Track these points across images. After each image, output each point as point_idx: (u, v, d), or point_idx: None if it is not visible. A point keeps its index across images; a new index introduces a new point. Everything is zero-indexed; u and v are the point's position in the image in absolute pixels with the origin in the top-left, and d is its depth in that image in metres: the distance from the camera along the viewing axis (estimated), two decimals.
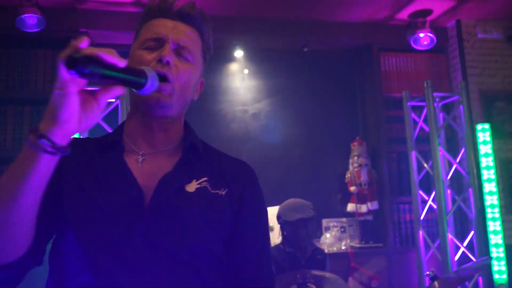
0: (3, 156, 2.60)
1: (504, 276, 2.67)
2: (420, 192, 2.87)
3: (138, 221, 0.81)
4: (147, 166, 0.89)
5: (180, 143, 0.94)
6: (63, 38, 2.75)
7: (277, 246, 2.39)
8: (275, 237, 2.99)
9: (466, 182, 2.88)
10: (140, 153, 0.90)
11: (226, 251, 0.90)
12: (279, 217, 2.34)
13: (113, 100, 2.52)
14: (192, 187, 0.87)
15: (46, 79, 2.74)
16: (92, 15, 2.80)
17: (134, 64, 0.85)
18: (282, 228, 2.35)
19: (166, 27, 0.90)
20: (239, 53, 3.33)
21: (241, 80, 3.36)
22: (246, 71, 3.37)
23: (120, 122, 2.49)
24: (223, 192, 0.90)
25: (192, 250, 0.83)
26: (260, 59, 3.35)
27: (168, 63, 0.85)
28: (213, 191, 0.89)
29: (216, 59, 3.55)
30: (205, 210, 0.86)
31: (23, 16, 2.52)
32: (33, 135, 0.68)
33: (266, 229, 1.01)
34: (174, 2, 0.92)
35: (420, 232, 2.81)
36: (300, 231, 2.26)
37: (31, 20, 2.57)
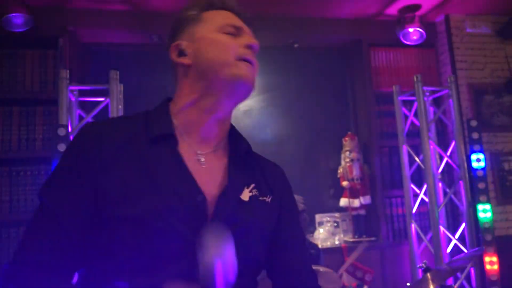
0: None
1: (496, 266, 2.70)
2: (412, 185, 2.89)
3: (202, 231, 0.71)
4: (205, 168, 0.84)
5: (226, 140, 0.92)
6: (51, 37, 2.72)
7: None
8: None
9: (457, 175, 2.91)
10: (198, 152, 0.85)
11: (270, 256, 0.91)
12: None
13: (102, 99, 2.50)
14: (245, 195, 0.85)
15: (34, 79, 2.70)
16: (80, 13, 2.77)
17: (218, 47, 0.86)
18: None
19: (235, 18, 0.92)
20: None
21: None
22: None
23: None
24: (269, 199, 0.89)
25: (252, 259, 0.83)
26: None
27: (255, 50, 0.89)
28: (261, 198, 0.88)
29: None
30: (260, 219, 0.86)
31: (9, 15, 2.49)
32: None
33: (304, 236, 1.03)
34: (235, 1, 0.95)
35: (413, 225, 2.84)
36: None
37: (18, 20, 2.54)
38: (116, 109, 2.45)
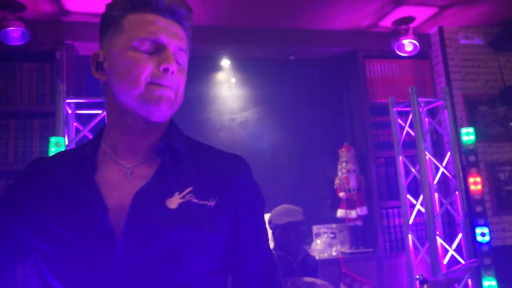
0: None
1: (492, 277, 2.69)
2: (408, 196, 2.90)
3: (111, 253, 0.71)
4: (129, 181, 0.79)
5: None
6: (48, 50, 2.74)
7: None
8: None
9: (453, 186, 2.92)
10: (127, 166, 0.81)
11: (231, 260, 0.83)
12: (270, 222, 2.39)
13: (100, 111, 2.51)
14: (174, 202, 0.76)
15: (31, 92, 2.71)
16: (77, 27, 2.79)
17: (128, 67, 0.77)
18: (273, 233, 2.40)
19: (163, 28, 0.79)
20: (226, 63, 3.34)
21: (228, 89, 3.37)
22: (233, 80, 3.38)
23: None
24: (212, 203, 0.79)
25: (186, 272, 0.74)
26: (247, 68, 3.38)
27: (172, 73, 0.78)
28: (200, 202, 0.78)
29: (203, 68, 3.59)
30: (198, 226, 0.75)
31: (7, 29, 2.51)
32: None
33: (266, 234, 0.91)
34: None
35: (410, 236, 2.84)
36: (290, 234, 2.32)
37: (15, 33, 2.56)
38: None
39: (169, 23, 0.81)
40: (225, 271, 0.84)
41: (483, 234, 2.73)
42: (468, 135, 2.86)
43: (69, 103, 2.52)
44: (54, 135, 2.42)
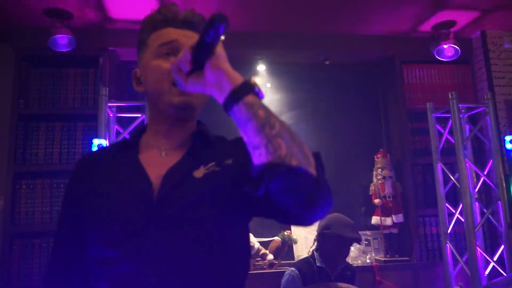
0: (35, 170, 2.70)
1: None
2: (447, 204, 2.82)
3: (149, 211, 0.83)
4: (164, 159, 0.91)
5: (190, 139, 0.96)
6: (92, 56, 2.87)
7: (305, 259, 2.37)
8: (299, 250, 2.98)
9: (495, 195, 2.81)
10: (162, 148, 0.93)
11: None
12: (328, 227, 2.26)
13: (139, 115, 2.60)
14: (199, 173, 0.88)
15: (75, 96, 2.84)
16: (120, 34, 2.90)
17: (153, 75, 0.90)
18: (323, 239, 2.29)
19: (179, 33, 0.91)
20: (261, 67, 3.37)
21: (263, 94, 3.39)
22: (268, 85, 3.41)
23: None
24: (230, 161, 0.90)
25: (205, 235, 0.83)
26: (282, 73, 3.39)
27: None
28: (220, 168, 0.89)
29: (239, 73, 3.59)
30: (213, 191, 0.86)
31: (55, 36, 2.65)
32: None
33: None
34: (178, 11, 0.93)
35: (448, 246, 2.75)
36: (344, 248, 2.26)
37: (62, 40, 2.69)
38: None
39: (187, 32, 0.92)
40: (247, 216, 0.92)
41: None
42: None
43: (110, 107, 2.63)
44: (96, 137, 2.52)
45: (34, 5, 2.57)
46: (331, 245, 2.25)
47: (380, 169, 3.03)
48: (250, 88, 0.73)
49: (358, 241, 2.27)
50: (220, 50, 0.75)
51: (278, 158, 0.69)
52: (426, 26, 3.04)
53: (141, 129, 1.01)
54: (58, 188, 2.71)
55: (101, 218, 0.85)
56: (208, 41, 0.71)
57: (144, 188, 0.85)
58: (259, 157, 0.71)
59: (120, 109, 2.71)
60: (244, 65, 3.30)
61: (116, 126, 2.69)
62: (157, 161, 0.91)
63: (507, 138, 2.76)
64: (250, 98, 0.72)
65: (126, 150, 0.95)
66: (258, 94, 0.74)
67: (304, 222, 0.82)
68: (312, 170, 0.74)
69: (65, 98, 2.83)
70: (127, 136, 2.55)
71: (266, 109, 0.74)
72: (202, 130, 0.96)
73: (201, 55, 0.74)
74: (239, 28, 2.95)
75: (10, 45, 2.82)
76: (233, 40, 3.13)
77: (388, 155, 3.08)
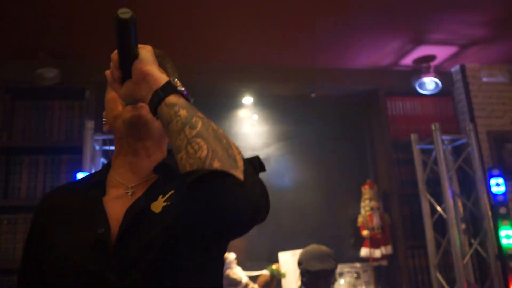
0: (18, 204, 2.63)
1: None
2: (435, 234, 2.81)
3: (108, 258, 0.77)
4: (130, 199, 0.87)
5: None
6: (78, 89, 2.85)
7: None
8: (288, 284, 2.92)
9: (482, 225, 2.83)
10: (130, 186, 0.89)
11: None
12: (300, 263, 2.30)
13: None
14: (158, 206, 0.82)
15: (60, 129, 2.81)
16: (107, 67, 2.90)
17: (109, 107, 0.93)
18: (302, 275, 2.31)
19: None
20: (248, 100, 3.41)
21: (250, 126, 3.41)
22: (255, 117, 3.43)
23: None
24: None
25: (166, 268, 0.77)
26: (268, 105, 3.43)
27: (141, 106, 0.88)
28: (181, 197, 0.83)
29: (225, 105, 3.65)
30: (171, 225, 0.79)
31: (40, 70, 2.64)
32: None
33: None
34: None
35: (436, 277, 2.73)
36: (321, 281, 2.22)
37: (48, 74, 2.68)
38: None
39: None
40: (216, 247, 0.87)
41: None
42: (497, 186, 2.79)
43: (96, 140, 2.60)
44: (81, 170, 2.48)
45: (20, 39, 2.57)
46: (307, 280, 2.25)
47: (368, 200, 3.03)
48: (172, 88, 0.72)
49: (330, 272, 2.23)
50: (145, 53, 0.75)
51: (197, 160, 0.66)
52: (408, 60, 3.13)
53: (106, 166, 0.98)
54: None
55: (59, 271, 0.81)
56: (122, 41, 0.70)
57: (103, 234, 0.80)
58: (180, 161, 0.68)
59: (106, 142, 2.68)
60: (231, 98, 3.33)
61: (101, 159, 2.65)
62: (122, 201, 0.86)
63: (492, 181, 2.80)
64: (172, 98, 0.71)
65: (92, 190, 0.90)
66: (183, 94, 0.73)
67: (238, 231, 0.76)
68: (239, 173, 0.68)
69: (50, 131, 2.79)
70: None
71: (189, 109, 0.72)
72: (165, 162, 0.90)
73: (125, 60, 0.73)
74: (227, 61, 2.99)
75: None
76: (221, 73, 3.18)
77: (375, 185, 3.09)
